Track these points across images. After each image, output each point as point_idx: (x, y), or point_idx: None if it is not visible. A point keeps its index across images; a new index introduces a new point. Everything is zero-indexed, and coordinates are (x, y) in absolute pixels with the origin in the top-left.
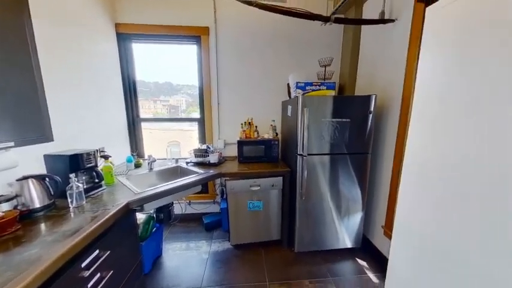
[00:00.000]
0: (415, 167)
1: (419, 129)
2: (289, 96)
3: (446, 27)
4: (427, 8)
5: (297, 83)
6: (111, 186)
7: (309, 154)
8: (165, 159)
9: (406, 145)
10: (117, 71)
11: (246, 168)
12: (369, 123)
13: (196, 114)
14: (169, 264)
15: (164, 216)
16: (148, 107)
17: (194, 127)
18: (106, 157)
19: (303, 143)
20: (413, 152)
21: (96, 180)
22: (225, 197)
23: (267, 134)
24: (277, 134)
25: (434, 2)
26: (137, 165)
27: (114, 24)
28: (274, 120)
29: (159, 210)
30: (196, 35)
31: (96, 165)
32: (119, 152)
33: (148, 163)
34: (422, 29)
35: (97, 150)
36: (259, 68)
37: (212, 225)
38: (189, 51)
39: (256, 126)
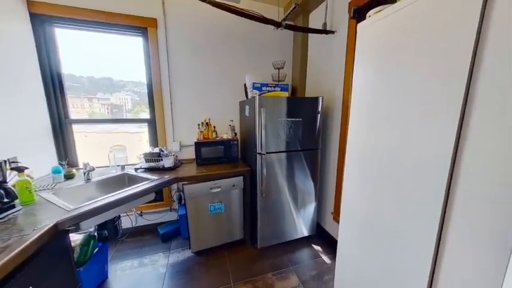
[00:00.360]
0: (355, 159)
1: (355, 129)
2: (247, 96)
3: (373, 43)
4: (358, 25)
5: (254, 83)
6: (31, 205)
7: (267, 152)
8: (108, 166)
9: (347, 141)
10: (33, 61)
11: (205, 170)
12: (318, 122)
13: (146, 115)
14: (118, 287)
15: (109, 233)
16: (82, 106)
17: (143, 129)
18: (20, 169)
19: (262, 141)
20: (353, 147)
21: (6, 200)
22: (183, 202)
23: (225, 134)
24: (236, 134)
25: (364, 20)
26: (68, 177)
27: (26, 1)
28: (232, 120)
29: (101, 226)
30: (142, 26)
31: (4, 181)
32: (40, 161)
33: (84, 173)
34: (355, 43)
35: (5, 161)
36: (215, 66)
37: (169, 234)
38: (133, 43)
39: (214, 127)
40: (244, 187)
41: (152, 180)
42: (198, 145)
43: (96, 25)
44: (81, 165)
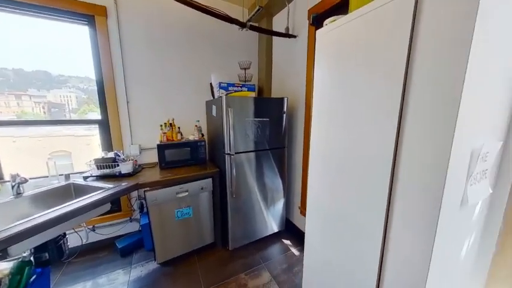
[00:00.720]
0: (318, 158)
1: (317, 130)
2: (213, 96)
3: (330, 50)
4: (317, 32)
5: (220, 83)
6: None
7: (236, 153)
8: (47, 177)
9: (310, 141)
10: None
11: (170, 174)
12: (284, 122)
13: (96, 115)
14: None
15: (51, 256)
16: (7, 105)
17: (94, 131)
18: None
19: (230, 142)
20: (315, 147)
21: None
22: (145, 211)
23: (192, 135)
24: (203, 134)
25: (322, 27)
26: None
27: None
28: (198, 121)
29: (40, 249)
30: (88, 13)
31: None
32: None
33: (13, 186)
34: (315, 48)
35: None
36: (178, 64)
37: (130, 248)
38: (77, 33)
39: (179, 128)
40: (214, 189)
41: (106, 188)
42: (161, 147)
43: (24, 7)
44: (7, 178)
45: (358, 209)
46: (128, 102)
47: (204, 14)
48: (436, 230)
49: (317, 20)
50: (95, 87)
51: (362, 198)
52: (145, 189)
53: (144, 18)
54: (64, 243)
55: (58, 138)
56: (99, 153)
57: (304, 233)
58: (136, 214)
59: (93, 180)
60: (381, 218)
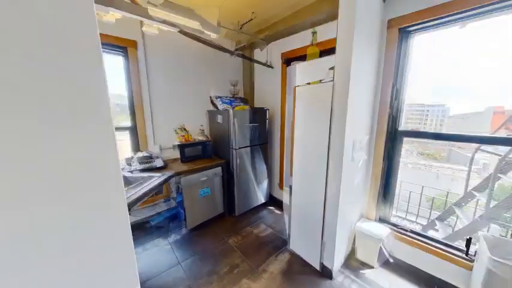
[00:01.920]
0: (299, 146)
1: (298, 134)
2: (215, 107)
3: (302, 97)
4: (296, 88)
5: (222, 98)
6: None
7: (239, 148)
8: None
9: (294, 138)
10: None
11: (192, 165)
12: (267, 126)
13: (127, 123)
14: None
15: None
16: None
17: (121, 136)
18: None
19: (236, 140)
20: (297, 141)
21: None
22: (180, 191)
23: (199, 136)
24: (207, 136)
25: (291, 65)
26: None
27: None
28: (202, 125)
29: None
30: (122, 45)
31: None
32: None
33: None
34: (286, 78)
35: None
36: (185, 82)
37: (164, 222)
38: (114, 62)
39: (188, 131)
40: (223, 174)
41: (160, 175)
42: (182, 146)
43: None
44: None
45: (315, 168)
46: (151, 112)
47: (206, 46)
48: (341, 172)
49: (287, 62)
50: (127, 102)
51: (317, 163)
52: (181, 175)
53: (163, 50)
54: None
55: None
56: (129, 153)
57: (281, 202)
58: (174, 194)
59: (139, 173)
60: (323, 171)
